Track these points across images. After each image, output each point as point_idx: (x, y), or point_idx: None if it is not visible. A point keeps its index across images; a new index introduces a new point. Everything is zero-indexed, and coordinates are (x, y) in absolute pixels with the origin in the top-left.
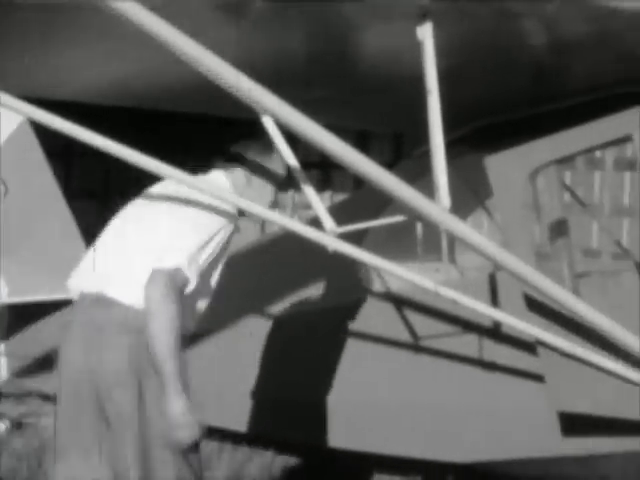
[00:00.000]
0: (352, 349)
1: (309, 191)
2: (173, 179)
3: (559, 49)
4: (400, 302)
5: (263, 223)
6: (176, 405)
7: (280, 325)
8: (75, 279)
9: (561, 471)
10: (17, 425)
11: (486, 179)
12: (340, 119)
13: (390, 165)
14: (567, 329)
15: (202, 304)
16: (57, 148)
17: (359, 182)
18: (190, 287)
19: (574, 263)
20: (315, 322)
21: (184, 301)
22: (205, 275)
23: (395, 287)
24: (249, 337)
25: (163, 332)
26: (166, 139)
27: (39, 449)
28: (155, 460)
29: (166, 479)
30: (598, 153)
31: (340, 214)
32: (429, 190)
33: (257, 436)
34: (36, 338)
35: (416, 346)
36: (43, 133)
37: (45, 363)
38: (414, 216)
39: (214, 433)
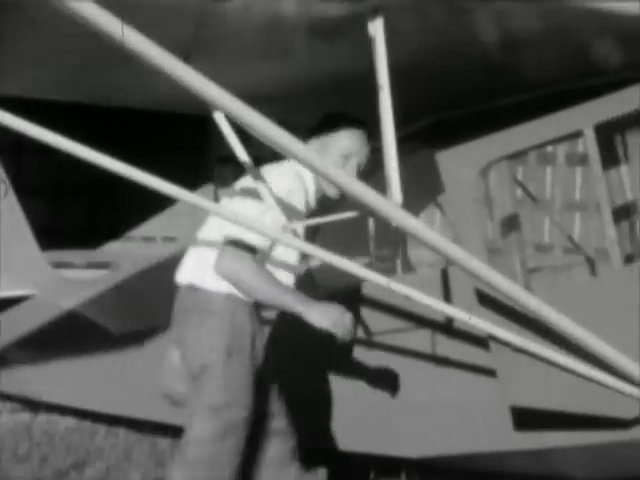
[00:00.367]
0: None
1: (260, 187)
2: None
3: (510, 44)
4: (352, 298)
5: None
6: (313, 314)
7: None
8: (177, 273)
9: (514, 466)
10: None
11: (438, 175)
12: (294, 114)
13: None
14: (519, 324)
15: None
16: (7, 145)
17: None
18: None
19: (526, 258)
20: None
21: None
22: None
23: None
24: None
25: (255, 288)
26: (125, 136)
27: None
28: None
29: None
30: (550, 148)
31: None
32: (381, 186)
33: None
34: None
35: (369, 342)
36: None
37: None
38: (366, 212)
39: (168, 429)
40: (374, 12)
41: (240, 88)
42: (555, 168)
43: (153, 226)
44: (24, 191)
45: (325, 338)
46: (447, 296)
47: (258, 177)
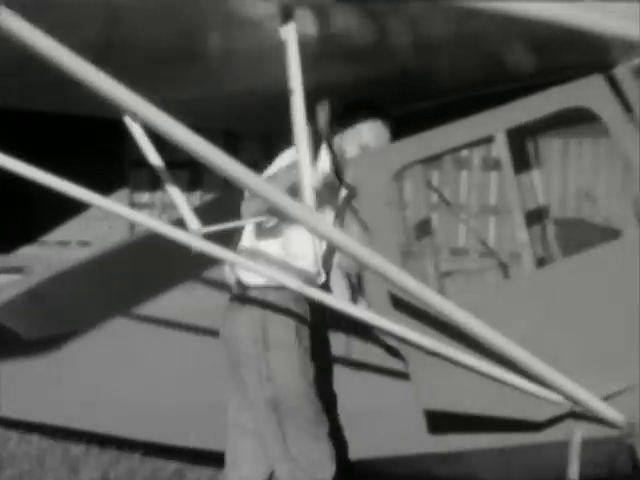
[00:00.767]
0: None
1: (173, 191)
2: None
3: (424, 49)
4: None
5: (132, 223)
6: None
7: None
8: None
9: (429, 469)
10: None
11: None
12: (208, 120)
13: (260, 165)
14: (433, 327)
15: None
16: None
17: (229, 182)
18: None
19: (439, 262)
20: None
21: None
22: None
23: None
24: (115, 338)
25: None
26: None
27: None
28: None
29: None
30: (465, 153)
31: (208, 214)
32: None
33: (124, 439)
34: None
35: None
36: None
37: None
38: (280, 216)
39: (81, 436)
40: (286, 17)
41: (155, 93)
42: (470, 172)
43: (68, 230)
44: None
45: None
46: None
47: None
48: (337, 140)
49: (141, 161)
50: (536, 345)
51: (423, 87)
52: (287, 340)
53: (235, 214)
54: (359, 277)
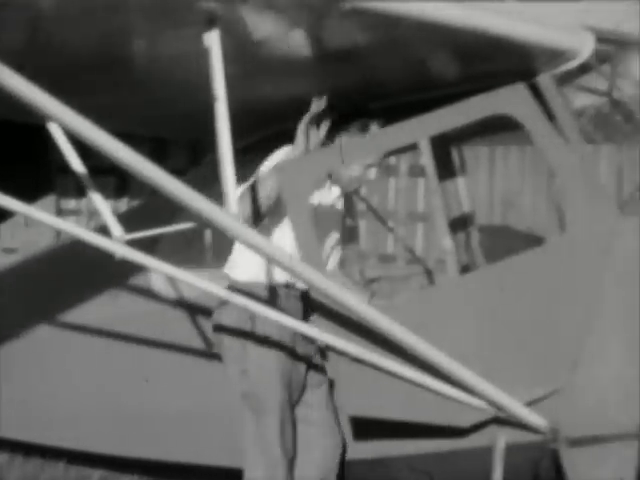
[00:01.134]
0: (145, 357)
1: (96, 197)
2: None
3: (348, 56)
4: (193, 309)
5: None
6: None
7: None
8: None
9: (354, 475)
10: None
11: None
12: (135, 126)
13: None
14: (357, 334)
15: None
16: None
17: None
18: None
19: (365, 268)
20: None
21: None
22: None
23: (188, 294)
24: (39, 345)
25: None
26: None
27: None
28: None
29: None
30: (393, 160)
31: (133, 220)
32: (221, 197)
33: (49, 447)
34: None
35: (209, 353)
36: None
37: None
38: (203, 223)
39: (5, 444)
40: (209, 23)
41: (78, 98)
42: (398, 179)
43: None
44: None
45: None
46: None
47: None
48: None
49: (68, 167)
50: (460, 351)
51: (349, 94)
52: (270, 337)
53: (161, 220)
54: None
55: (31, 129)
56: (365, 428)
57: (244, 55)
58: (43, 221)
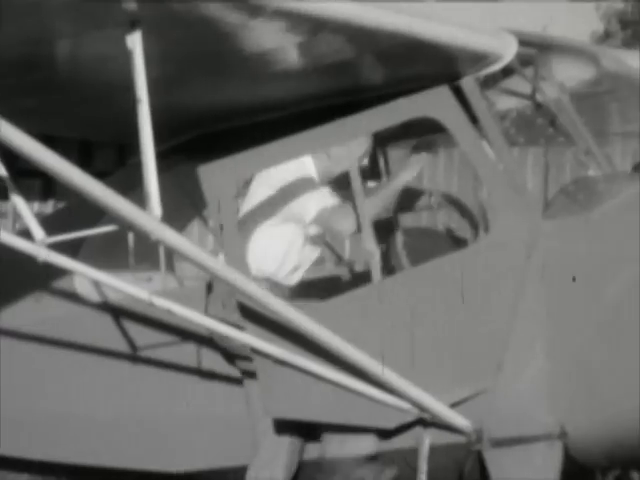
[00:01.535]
0: (70, 361)
1: (18, 200)
2: None
3: (270, 59)
4: (118, 312)
5: None
6: None
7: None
8: None
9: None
10: None
11: (200, 188)
12: (60, 128)
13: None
14: (282, 336)
15: None
16: None
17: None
18: None
19: None
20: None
21: None
22: None
23: (113, 297)
24: None
25: None
26: None
27: None
28: None
29: None
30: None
31: (58, 223)
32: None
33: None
34: None
35: (134, 356)
36: None
37: None
38: (126, 226)
39: None
40: (132, 25)
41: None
42: None
43: None
44: None
45: None
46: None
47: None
48: None
49: None
50: (384, 353)
51: (271, 98)
52: None
53: (86, 223)
54: None
55: None
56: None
57: (167, 57)
58: None
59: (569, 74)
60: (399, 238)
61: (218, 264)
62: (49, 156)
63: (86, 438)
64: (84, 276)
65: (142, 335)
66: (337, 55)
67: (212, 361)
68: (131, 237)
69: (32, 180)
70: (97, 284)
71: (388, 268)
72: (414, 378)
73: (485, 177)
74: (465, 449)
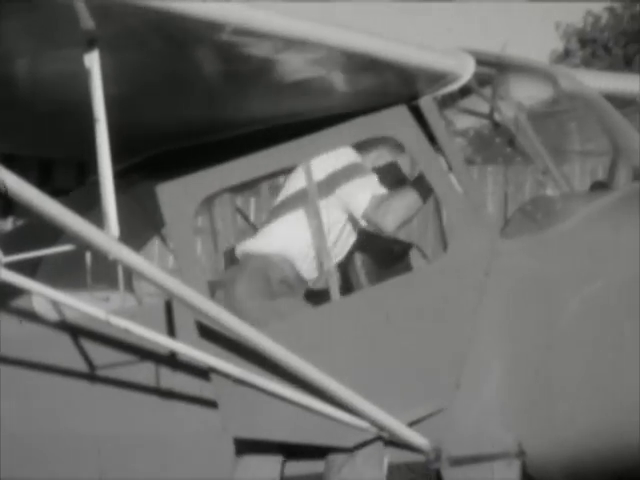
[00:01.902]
0: (29, 380)
1: None
2: None
3: (227, 78)
4: (76, 331)
5: None
6: None
7: None
8: None
9: None
10: None
11: (158, 207)
12: (20, 146)
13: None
14: (241, 356)
15: None
16: None
17: None
18: None
19: None
20: None
21: None
22: None
23: (71, 316)
24: None
25: None
26: None
27: None
28: None
29: None
30: (282, 180)
31: (16, 242)
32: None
33: None
34: None
35: (92, 376)
36: None
37: None
38: (84, 245)
39: None
40: (89, 44)
41: None
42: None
43: None
44: None
45: None
46: (171, 328)
47: None
48: None
49: None
50: (342, 373)
51: (232, 116)
52: None
53: (44, 242)
54: None
55: None
56: (251, 449)
57: (125, 76)
58: None
59: (527, 93)
60: (357, 257)
61: (175, 283)
62: (6, 175)
63: (44, 458)
64: (42, 296)
65: (100, 354)
66: (296, 74)
67: (171, 380)
68: (89, 256)
69: None
70: (55, 303)
71: (347, 287)
72: (372, 397)
73: (443, 196)
74: (423, 468)
